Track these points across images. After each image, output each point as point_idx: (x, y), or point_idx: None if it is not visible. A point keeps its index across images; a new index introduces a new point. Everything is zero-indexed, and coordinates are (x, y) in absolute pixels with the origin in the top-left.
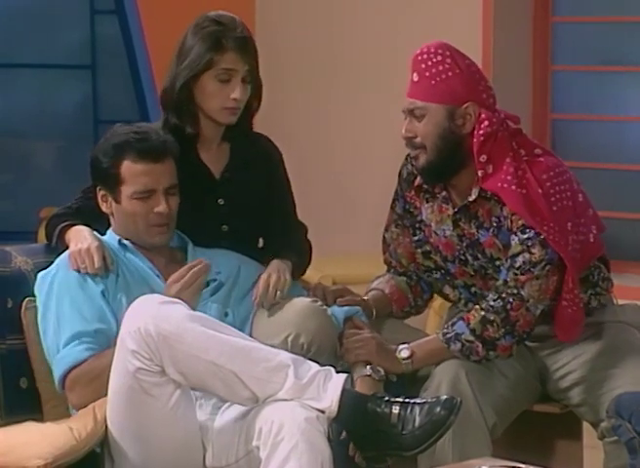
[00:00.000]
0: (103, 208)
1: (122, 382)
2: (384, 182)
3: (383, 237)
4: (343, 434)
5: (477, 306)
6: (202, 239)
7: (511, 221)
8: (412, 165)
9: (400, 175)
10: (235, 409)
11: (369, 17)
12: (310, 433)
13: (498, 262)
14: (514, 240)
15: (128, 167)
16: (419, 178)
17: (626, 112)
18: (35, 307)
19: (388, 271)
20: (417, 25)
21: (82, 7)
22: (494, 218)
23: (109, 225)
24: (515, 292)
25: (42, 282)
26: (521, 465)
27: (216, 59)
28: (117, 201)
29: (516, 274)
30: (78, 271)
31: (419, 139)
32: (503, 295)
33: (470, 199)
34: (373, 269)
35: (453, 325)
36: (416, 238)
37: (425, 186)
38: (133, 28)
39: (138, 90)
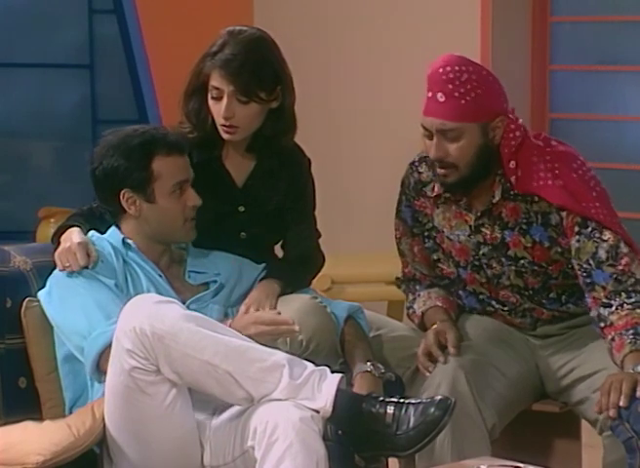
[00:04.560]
0: (132, 211)
1: (118, 381)
2: (385, 183)
3: (400, 250)
4: (339, 432)
5: (624, 310)
6: (219, 245)
7: (562, 218)
8: (418, 172)
9: (404, 184)
10: (232, 409)
11: (366, 19)
12: (305, 433)
13: (522, 261)
14: (580, 240)
15: (161, 162)
16: (437, 188)
17: (625, 112)
18: (35, 307)
19: (411, 286)
20: (415, 26)
21: (80, 6)
22: (522, 215)
23: (109, 225)
24: (633, 280)
25: (53, 279)
26: (520, 464)
27: (209, 75)
28: (151, 201)
29: (614, 265)
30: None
31: (450, 159)
32: (630, 289)
33: (494, 201)
34: (372, 269)
35: (635, 333)
36: (426, 245)
37: (447, 195)
38: (131, 28)
39: (136, 89)
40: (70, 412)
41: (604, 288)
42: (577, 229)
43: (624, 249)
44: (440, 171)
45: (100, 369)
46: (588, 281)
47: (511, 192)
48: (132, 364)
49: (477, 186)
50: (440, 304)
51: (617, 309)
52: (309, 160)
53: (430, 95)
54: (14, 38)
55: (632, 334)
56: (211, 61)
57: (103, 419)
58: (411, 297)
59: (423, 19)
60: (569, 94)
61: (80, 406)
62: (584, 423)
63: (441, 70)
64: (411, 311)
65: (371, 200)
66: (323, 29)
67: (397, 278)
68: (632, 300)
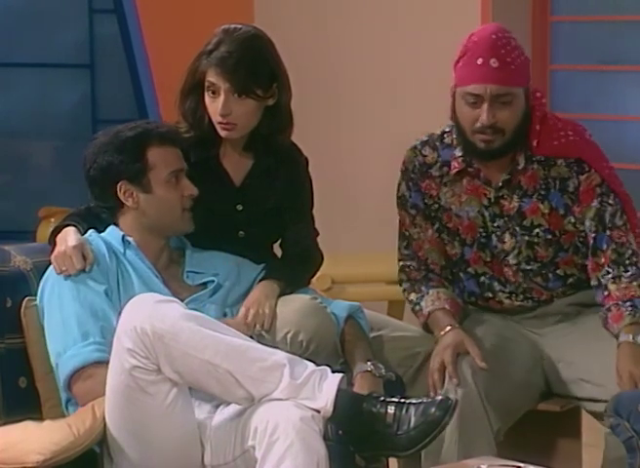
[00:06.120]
0: (129, 203)
1: (119, 380)
2: (385, 182)
3: (411, 239)
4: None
5: (622, 282)
6: (218, 244)
7: (580, 182)
8: (422, 155)
9: (407, 170)
10: (233, 408)
11: (367, 17)
12: (306, 432)
13: (537, 229)
14: (599, 202)
15: (155, 152)
16: (457, 164)
17: (625, 111)
18: (35, 306)
19: (416, 287)
20: (415, 27)
21: (80, 6)
22: (540, 182)
23: (109, 224)
24: (630, 252)
25: (44, 284)
26: (520, 464)
27: (205, 73)
28: (147, 191)
29: (611, 231)
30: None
31: (500, 124)
32: (627, 262)
33: (519, 167)
34: (372, 269)
35: (633, 306)
36: (434, 227)
37: (470, 169)
38: (131, 28)
39: (136, 89)
40: (66, 411)
41: (604, 253)
42: (598, 191)
43: (620, 221)
44: (484, 137)
45: (71, 390)
46: (593, 244)
47: (533, 158)
48: (132, 363)
49: (501, 156)
50: (448, 307)
51: (614, 279)
52: (307, 159)
53: (481, 61)
54: (14, 38)
55: (630, 307)
56: (206, 60)
57: (104, 419)
58: (415, 295)
59: (423, 19)
60: (569, 94)
61: (73, 405)
62: (585, 422)
63: (494, 36)
64: (417, 308)
65: (371, 199)
66: (323, 29)
67: (402, 269)
68: (629, 273)
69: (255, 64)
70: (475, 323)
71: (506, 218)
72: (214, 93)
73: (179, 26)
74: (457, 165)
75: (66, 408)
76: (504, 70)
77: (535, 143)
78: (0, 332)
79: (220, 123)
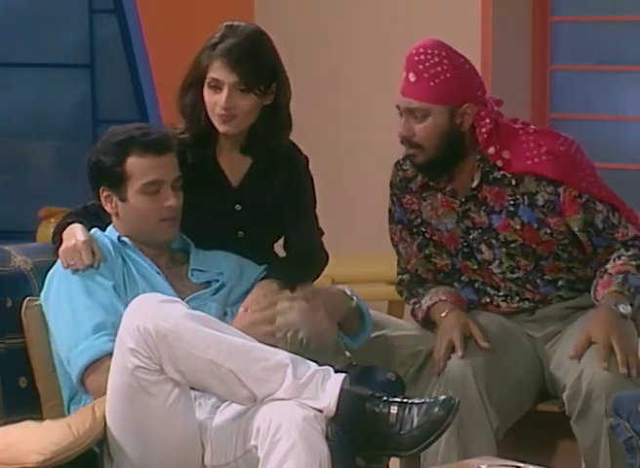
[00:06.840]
0: (108, 208)
1: (121, 380)
2: (386, 182)
3: (401, 254)
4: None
5: (620, 260)
6: (216, 244)
7: (559, 194)
8: (403, 170)
9: (392, 185)
10: (234, 408)
11: (367, 17)
12: (308, 432)
13: (513, 245)
14: (581, 212)
15: (134, 162)
16: (421, 177)
17: (625, 111)
18: (36, 306)
19: (414, 291)
20: (415, 25)
21: (81, 6)
22: (507, 198)
23: (105, 222)
24: (632, 235)
25: (49, 282)
26: (520, 464)
27: (209, 66)
28: (123, 199)
29: (611, 234)
30: (75, 269)
31: (416, 139)
32: (630, 243)
33: (473, 185)
34: (373, 269)
35: (624, 278)
36: (416, 242)
37: (431, 183)
38: (132, 28)
39: (136, 89)
40: (68, 411)
41: (606, 250)
42: (579, 201)
43: (615, 220)
44: (407, 151)
45: (84, 384)
46: (592, 249)
47: (491, 176)
48: (135, 363)
49: (456, 171)
50: (445, 298)
51: (614, 260)
52: (307, 158)
53: (404, 75)
54: (14, 38)
55: (622, 279)
56: (211, 52)
57: (104, 419)
58: (414, 299)
59: (424, 19)
60: (569, 94)
61: (75, 404)
62: None
63: (414, 51)
64: (417, 306)
65: (372, 200)
66: (323, 29)
67: (399, 282)
68: (630, 253)
69: (259, 57)
70: (476, 318)
71: (480, 231)
72: (216, 86)
73: (179, 26)
74: (420, 178)
75: (68, 407)
76: (419, 85)
77: (500, 163)
78: (0, 332)
79: (220, 115)
